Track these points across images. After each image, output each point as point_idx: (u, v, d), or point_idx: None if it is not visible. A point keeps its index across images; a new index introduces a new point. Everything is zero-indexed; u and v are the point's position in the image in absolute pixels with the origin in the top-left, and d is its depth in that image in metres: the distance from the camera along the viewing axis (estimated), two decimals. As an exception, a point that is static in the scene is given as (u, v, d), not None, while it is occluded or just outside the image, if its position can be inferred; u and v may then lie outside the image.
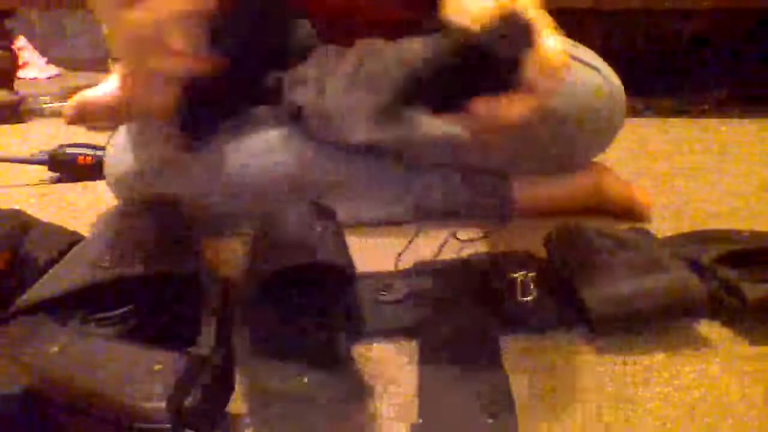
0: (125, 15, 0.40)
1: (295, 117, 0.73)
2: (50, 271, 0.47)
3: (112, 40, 0.42)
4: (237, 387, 0.41)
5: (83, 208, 0.86)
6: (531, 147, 0.73)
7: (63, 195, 0.92)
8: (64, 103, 0.87)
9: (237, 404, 0.42)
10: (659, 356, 0.48)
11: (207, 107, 0.49)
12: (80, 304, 0.43)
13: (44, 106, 1.62)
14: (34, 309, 0.42)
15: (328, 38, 0.76)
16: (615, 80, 0.75)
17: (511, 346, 0.49)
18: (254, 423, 0.40)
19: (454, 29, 0.42)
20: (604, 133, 0.76)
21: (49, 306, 0.42)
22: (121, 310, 0.43)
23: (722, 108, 1.70)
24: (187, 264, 0.47)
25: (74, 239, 0.57)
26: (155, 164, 0.70)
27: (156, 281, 0.46)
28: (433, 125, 0.70)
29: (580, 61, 0.74)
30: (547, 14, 0.46)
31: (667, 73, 1.83)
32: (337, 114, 0.70)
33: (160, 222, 0.55)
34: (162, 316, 0.45)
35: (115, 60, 0.61)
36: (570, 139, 0.74)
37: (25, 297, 0.43)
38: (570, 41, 0.77)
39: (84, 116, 0.84)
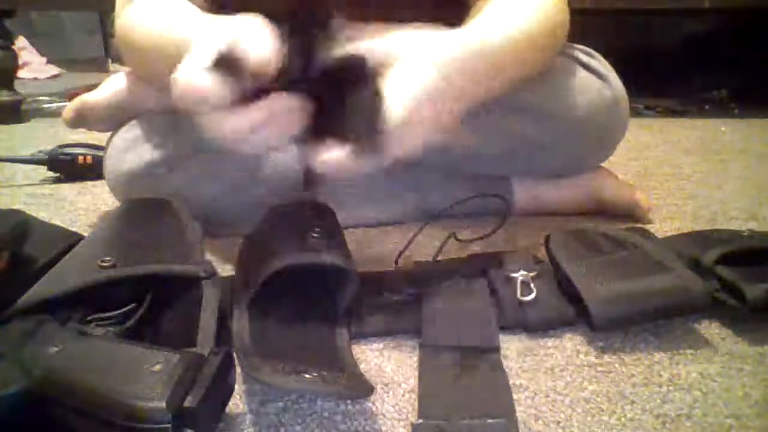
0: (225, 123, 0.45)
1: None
2: (50, 271, 0.47)
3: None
4: (237, 387, 0.41)
5: (83, 208, 0.86)
6: (533, 154, 0.73)
7: (63, 195, 0.92)
8: (64, 103, 0.87)
9: (237, 404, 0.42)
10: (659, 356, 0.48)
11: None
12: (80, 304, 0.43)
13: (44, 106, 1.62)
14: (34, 309, 0.42)
15: None
16: (621, 90, 0.74)
17: (511, 346, 0.49)
18: (254, 422, 0.40)
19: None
20: (606, 142, 0.76)
21: (49, 306, 0.42)
22: (121, 310, 0.43)
23: (722, 108, 1.70)
24: (187, 264, 0.47)
25: (74, 239, 0.57)
26: (156, 162, 0.70)
27: (156, 281, 0.46)
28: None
29: (588, 69, 0.73)
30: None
31: (667, 73, 1.84)
32: None
33: (160, 222, 0.56)
34: (162, 316, 0.45)
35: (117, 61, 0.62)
36: (572, 148, 0.73)
37: (25, 297, 0.43)
38: (582, 48, 0.76)
39: (83, 119, 0.84)
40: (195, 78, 0.43)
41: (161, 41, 0.59)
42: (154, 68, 0.64)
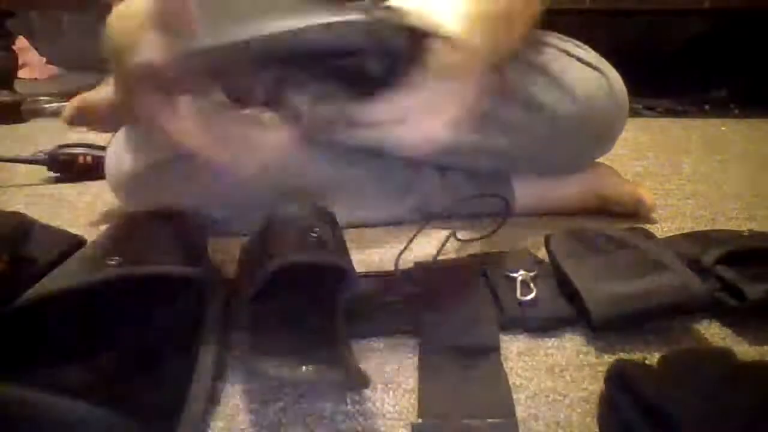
0: None
1: (295, 119, 0.73)
2: (58, 267, 0.47)
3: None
4: (237, 387, 0.42)
5: (83, 208, 0.86)
6: (532, 148, 0.73)
7: (63, 195, 0.92)
8: (64, 103, 0.87)
9: (237, 404, 0.42)
10: (659, 356, 0.48)
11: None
12: (88, 300, 0.43)
13: (44, 106, 1.61)
14: (42, 302, 0.42)
15: None
16: (618, 83, 0.74)
17: (511, 346, 0.49)
18: (254, 422, 0.40)
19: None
20: (605, 136, 0.76)
21: (58, 299, 0.42)
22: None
23: (722, 108, 1.70)
24: (191, 265, 0.48)
25: (74, 241, 0.57)
26: (157, 163, 0.70)
27: (159, 281, 0.46)
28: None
29: (584, 62, 0.74)
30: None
31: (667, 73, 1.84)
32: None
33: (166, 225, 0.56)
34: (163, 315, 0.45)
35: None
36: (571, 141, 0.74)
37: (32, 290, 0.43)
38: (575, 42, 0.77)
39: (84, 118, 0.84)
40: None
41: None
42: None
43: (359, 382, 0.40)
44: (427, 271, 0.59)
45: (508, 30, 0.62)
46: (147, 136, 0.72)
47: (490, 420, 0.39)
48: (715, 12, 1.75)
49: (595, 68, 0.74)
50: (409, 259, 0.62)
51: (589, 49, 0.76)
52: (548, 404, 0.42)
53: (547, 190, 0.78)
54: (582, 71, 0.73)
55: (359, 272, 0.49)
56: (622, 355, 0.48)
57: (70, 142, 1.01)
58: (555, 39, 0.76)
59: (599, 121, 0.73)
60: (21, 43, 2.24)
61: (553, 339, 0.50)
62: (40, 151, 1.00)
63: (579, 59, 0.74)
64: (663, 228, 0.75)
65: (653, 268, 0.52)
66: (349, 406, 0.42)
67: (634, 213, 0.77)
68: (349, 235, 0.54)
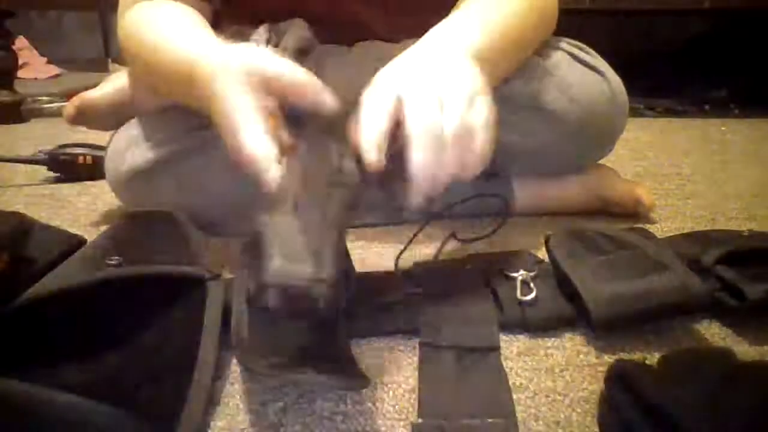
0: None
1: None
2: (58, 267, 0.47)
3: None
4: (237, 386, 0.42)
5: (83, 208, 0.86)
6: (532, 149, 0.73)
7: (63, 195, 0.92)
8: (64, 103, 0.87)
9: (237, 404, 0.42)
10: (659, 356, 0.48)
11: None
12: (88, 300, 0.43)
13: (44, 106, 1.61)
14: (42, 303, 0.42)
15: (327, 40, 0.76)
16: (618, 84, 0.74)
17: (511, 346, 0.49)
18: (254, 422, 0.40)
19: None
20: (605, 139, 0.76)
21: (58, 299, 0.42)
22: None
23: (722, 108, 1.70)
24: (191, 265, 0.48)
25: (74, 241, 0.57)
26: (157, 161, 0.69)
27: (159, 281, 0.46)
28: None
29: (584, 63, 0.74)
30: None
31: (667, 73, 1.84)
32: None
33: (165, 229, 0.56)
34: (163, 315, 0.45)
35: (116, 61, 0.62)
36: (572, 143, 0.74)
37: (32, 290, 0.43)
38: (575, 43, 0.77)
39: (84, 116, 0.84)
40: (262, 149, 0.47)
41: (167, 63, 0.59)
42: (160, 87, 0.66)
43: (359, 382, 0.40)
44: (427, 271, 0.59)
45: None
46: (147, 134, 0.72)
47: (490, 420, 0.39)
48: (715, 12, 1.76)
49: (598, 72, 0.74)
50: (409, 259, 0.62)
51: (594, 53, 0.76)
52: (548, 404, 0.42)
53: (547, 190, 0.78)
54: (584, 75, 0.73)
55: (359, 272, 0.49)
56: (622, 355, 0.48)
57: (70, 142, 1.01)
58: (562, 43, 0.76)
59: (600, 125, 0.73)
60: (21, 43, 2.24)
61: (553, 339, 0.50)
62: (40, 151, 1.00)
63: (582, 62, 0.74)
64: (663, 228, 0.75)
65: (653, 268, 0.52)
66: (349, 406, 0.42)
67: (634, 213, 0.78)
68: (349, 235, 0.54)
